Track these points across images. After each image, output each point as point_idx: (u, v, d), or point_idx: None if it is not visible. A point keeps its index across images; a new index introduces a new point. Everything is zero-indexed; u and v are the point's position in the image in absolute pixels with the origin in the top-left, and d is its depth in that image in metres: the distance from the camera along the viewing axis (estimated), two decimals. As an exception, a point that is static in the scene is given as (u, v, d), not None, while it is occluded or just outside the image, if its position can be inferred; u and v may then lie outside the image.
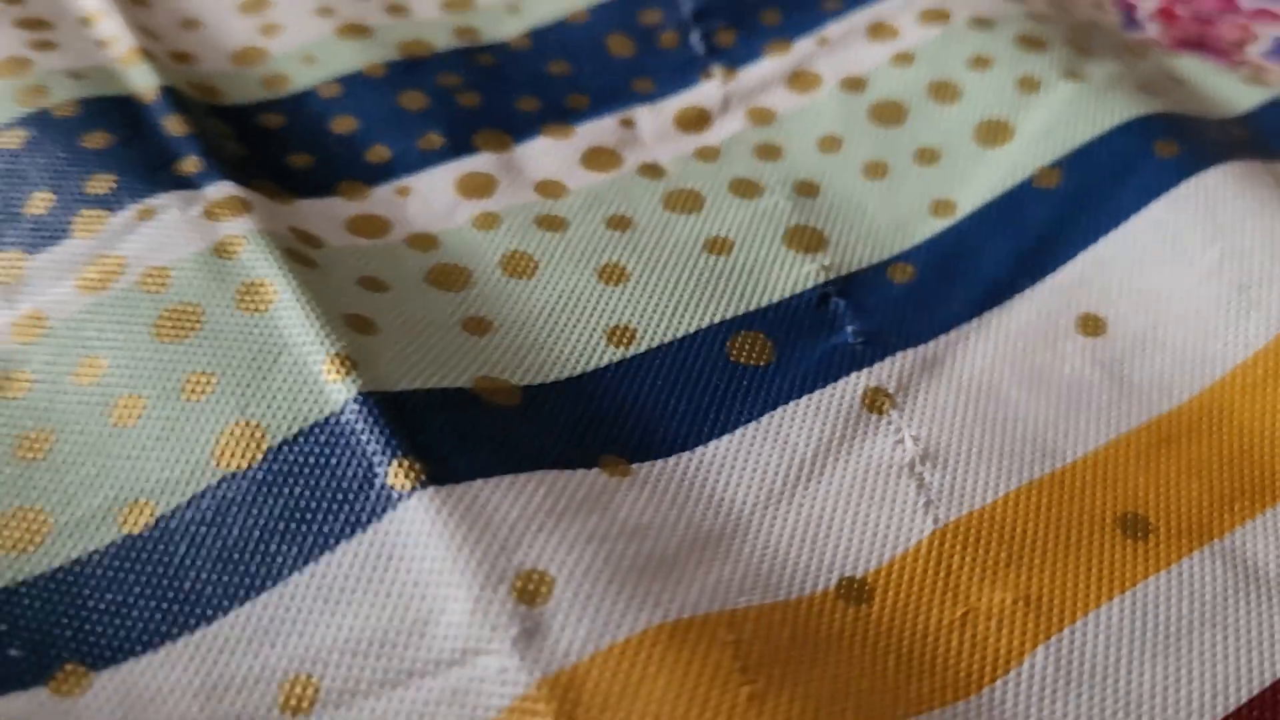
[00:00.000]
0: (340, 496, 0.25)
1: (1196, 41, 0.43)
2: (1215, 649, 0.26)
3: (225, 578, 0.25)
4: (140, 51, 0.36)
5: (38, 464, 0.27)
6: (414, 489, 0.25)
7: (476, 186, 0.35)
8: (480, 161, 0.35)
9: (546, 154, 0.36)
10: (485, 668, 0.23)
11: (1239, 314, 0.32)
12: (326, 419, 0.26)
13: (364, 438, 0.26)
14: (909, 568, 0.27)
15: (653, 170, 0.36)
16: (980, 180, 0.36)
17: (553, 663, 0.23)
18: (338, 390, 0.27)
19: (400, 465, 0.25)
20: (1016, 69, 0.38)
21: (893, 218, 0.35)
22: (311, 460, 0.26)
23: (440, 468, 0.25)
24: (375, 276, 0.31)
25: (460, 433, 0.27)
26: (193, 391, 0.27)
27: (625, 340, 0.31)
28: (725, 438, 0.29)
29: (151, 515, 0.26)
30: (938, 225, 0.35)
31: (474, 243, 0.33)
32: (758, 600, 0.25)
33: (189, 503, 0.26)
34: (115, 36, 0.37)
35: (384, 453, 0.25)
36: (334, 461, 0.26)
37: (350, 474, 0.25)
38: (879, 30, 0.40)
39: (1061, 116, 0.36)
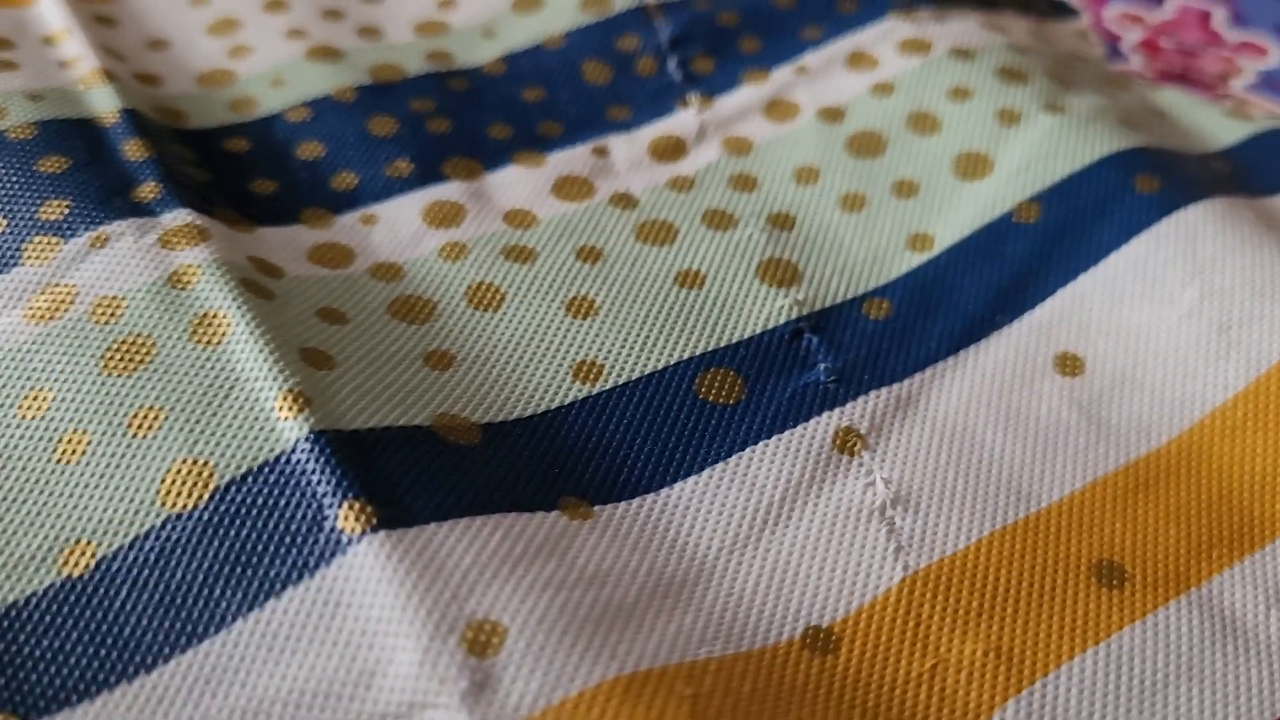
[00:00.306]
0: (288, 540, 0.24)
1: (1180, 74, 0.42)
2: (1192, 703, 0.25)
3: (167, 624, 0.24)
4: (103, 73, 0.35)
5: (-23, 502, 0.26)
6: (364, 533, 0.24)
7: (444, 215, 0.34)
8: (449, 190, 0.35)
9: (517, 182, 0.35)
10: (433, 722, 0.22)
11: (1219, 354, 0.31)
12: (277, 458, 0.25)
13: (315, 478, 0.25)
14: (877, 617, 0.26)
15: (625, 200, 0.35)
16: (959, 214, 0.35)
17: (502, 718, 0.22)
18: (289, 428, 0.26)
19: (351, 508, 0.24)
20: (997, 101, 0.37)
21: (869, 251, 0.34)
22: (260, 501, 0.25)
23: (393, 510, 0.24)
24: (335, 308, 0.30)
25: (416, 473, 0.26)
26: (140, 427, 0.26)
27: (592, 376, 0.30)
28: (692, 479, 0.28)
29: (93, 557, 0.25)
30: (915, 260, 0.34)
31: (439, 274, 0.32)
32: (719, 651, 0.25)
33: (132, 544, 0.25)
34: (78, 57, 0.36)
35: (335, 494, 0.25)
36: (283, 503, 0.25)
37: (299, 516, 0.25)
38: (858, 60, 0.40)
39: (1041, 150, 0.36)
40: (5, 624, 0.24)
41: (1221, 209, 0.33)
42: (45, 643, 0.24)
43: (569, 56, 0.40)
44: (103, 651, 0.24)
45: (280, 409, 0.26)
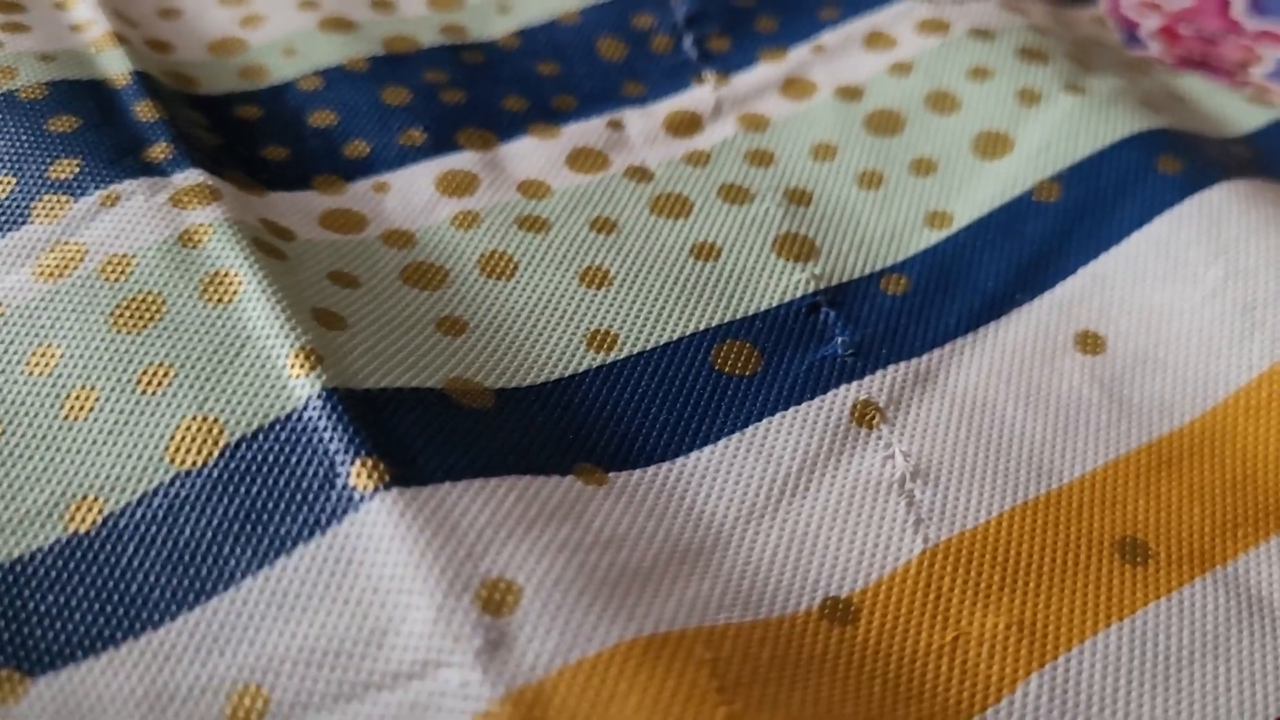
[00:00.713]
0: (299, 497, 0.24)
1: (1199, 61, 0.42)
2: (1219, 681, 0.25)
3: (175, 581, 0.24)
4: (114, 36, 0.35)
5: (-18, 457, 0.25)
6: (377, 490, 0.23)
7: (457, 184, 0.33)
8: (462, 159, 0.34)
9: (531, 153, 0.35)
10: (446, 681, 0.22)
11: (1243, 335, 0.31)
12: (288, 415, 0.25)
13: (327, 436, 0.24)
14: (897, 589, 0.26)
15: (640, 173, 0.35)
16: (978, 192, 0.34)
17: (518, 677, 0.21)
18: (301, 386, 0.25)
19: (364, 465, 0.24)
20: (1016, 81, 0.37)
21: (887, 228, 0.34)
22: (271, 459, 0.24)
23: (406, 469, 0.24)
24: (347, 272, 0.30)
25: (429, 434, 0.25)
26: (149, 384, 0.26)
27: (606, 345, 0.29)
28: (707, 449, 0.28)
29: (100, 513, 0.24)
30: (933, 237, 0.34)
31: (452, 241, 0.32)
32: (737, 618, 0.24)
33: (140, 501, 0.24)
34: (89, 21, 0.36)
35: (347, 452, 0.24)
36: (294, 460, 0.24)
37: (311, 473, 0.24)
38: (876, 40, 0.39)
39: (1062, 130, 0.35)
40: (10, 579, 0.24)
41: (1245, 190, 0.33)
42: (50, 599, 0.24)
43: (584, 32, 0.40)
44: (109, 608, 0.23)
45: (292, 367, 0.26)
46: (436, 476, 0.24)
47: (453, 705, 0.21)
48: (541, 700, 0.21)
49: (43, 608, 0.23)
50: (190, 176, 0.30)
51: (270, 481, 0.24)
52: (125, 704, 0.22)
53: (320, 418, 0.25)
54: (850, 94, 0.38)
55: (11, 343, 0.27)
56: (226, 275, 0.27)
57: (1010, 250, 0.33)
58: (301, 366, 0.25)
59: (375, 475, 0.24)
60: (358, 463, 0.24)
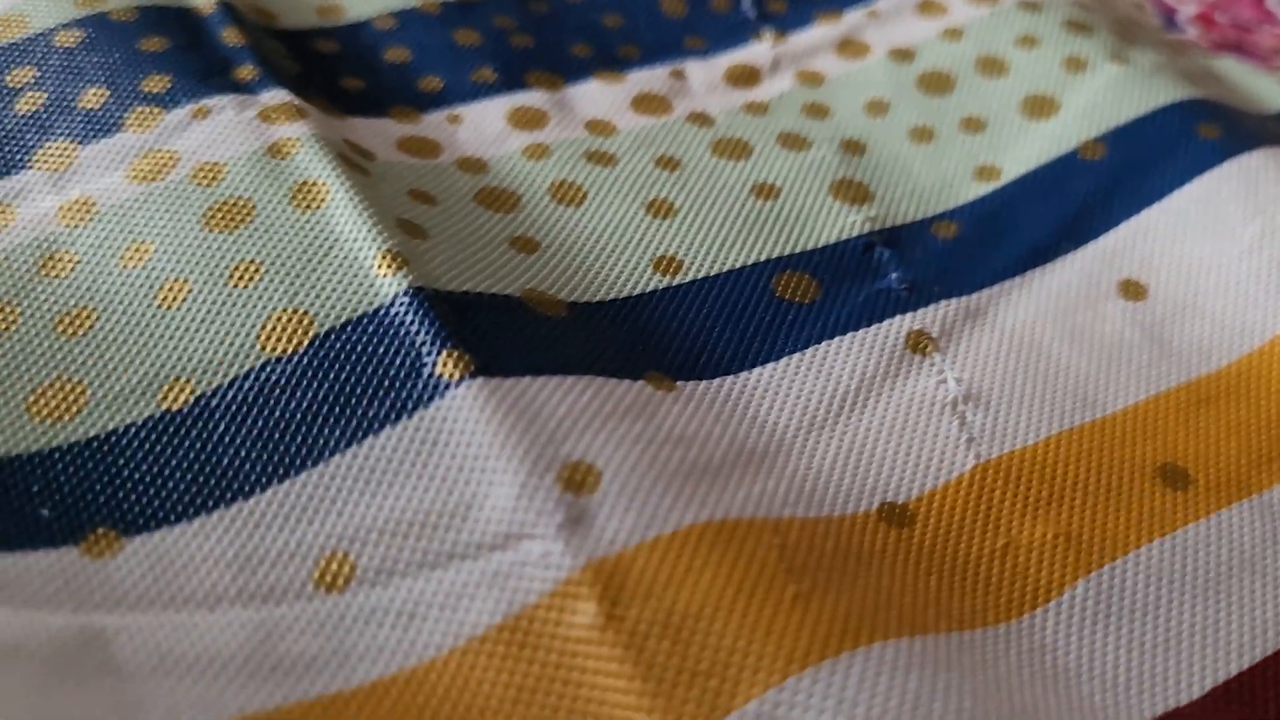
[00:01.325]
0: (387, 384, 0.25)
1: (1234, 46, 0.43)
2: (1254, 595, 0.26)
3: (265, 456, 0.25)
4: (198, -29, 0.36)
5: (78, 339, 0.27)
6: (463, 379, 0.25)
7: (527, 119, 0.35)
8: (532, 97, 0.35)
9: (598, 95, 0.36)
10: (528, 552, 0.23)
11: (1278, 287, 0.32)
12: (376, 310, 0.26)
13: (414, 329, 0.26)
14: (950, 498, 0.27)
15: (702, 119, 0.36)
16: (1025, 150, 0.36)
17: (598, 549, 0.22)
18: (388, 284, 0.26)
19: (449, 356, 0.25)
20: (1064, 49, 0.38)
21: (938, 179, 0.35)
22: (359, 348, 0.26)
23: (489, 362, 0.25)
24: (425, 191, 0.31)
25: (508, 333, 0.26)
26: (240, 279, 0.27)
27: (672, 270, 0.31)
28: (769, 365, 0.29)
29: (191, 394, 0.26)
30: (982, 189, 0.35)
31: (523, 170, 0.33)
32: (801, 514, 0.25)
33: (231, 383, 0.26)
34: (173, -45, 0.37)
35: (433, 344, 0.25)
36: (381, 350, 0.25)
37: (398, 363, 0.25)
38: (928, 7, 0.41)
39: (1107, 95, 0.37)
40: (106, 448, 0.25)
41: (1282, 156, 0.34)
42: (144, 468, 0.25)
43: (646, -11, 0.41)
44: (200, 479, 0.24)
45: (379, 267, 0.27)
46: (517, 370, 0.25)
47: (534, 574, 0.23)
48: (620, 571, 0.22)
49: (136, 475, 0.25)
50: (277, 95, 0.31)
51: (359, 369, 0.25)
52: (216, 564, 0.23)
53: (407, 313, 0.26)
54: (902, 55, 0.39)
55: (106, 238, 0.28)
56: (315, 184, 0.29)
57: (1056, 204, 0.34)
58: (388, 267, 0.27)
59: (461, 365, 0.25)
60: (444, 354, 0.25)
